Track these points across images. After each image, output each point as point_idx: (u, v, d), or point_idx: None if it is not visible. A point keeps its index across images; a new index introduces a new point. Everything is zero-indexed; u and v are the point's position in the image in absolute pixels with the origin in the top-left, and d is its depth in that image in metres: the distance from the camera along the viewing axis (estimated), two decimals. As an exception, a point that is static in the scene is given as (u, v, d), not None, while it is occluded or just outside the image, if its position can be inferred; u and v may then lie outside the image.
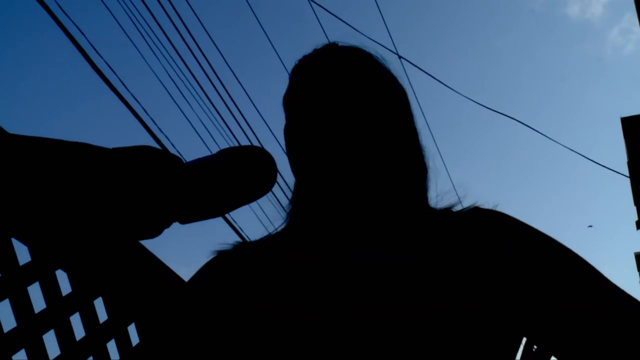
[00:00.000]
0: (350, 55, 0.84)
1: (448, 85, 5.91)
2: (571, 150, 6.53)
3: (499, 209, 0.78)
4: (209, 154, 0.65)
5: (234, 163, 0.64)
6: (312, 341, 0.67)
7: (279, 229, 0.84)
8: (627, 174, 8.39)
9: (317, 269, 0.74)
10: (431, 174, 0.83)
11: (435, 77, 5.80)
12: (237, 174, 0.64)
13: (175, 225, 0.64)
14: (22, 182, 0.55)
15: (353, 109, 0.78)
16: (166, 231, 0.65)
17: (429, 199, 0.83)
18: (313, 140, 0.78)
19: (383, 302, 0.68)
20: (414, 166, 0.82)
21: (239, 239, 0.88)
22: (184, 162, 0.64)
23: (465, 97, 6.28)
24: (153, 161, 0.59)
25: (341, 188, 0.77)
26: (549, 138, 6.09)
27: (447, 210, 0.80)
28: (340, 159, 0.76)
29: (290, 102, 0.85)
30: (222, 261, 0.81)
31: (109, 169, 0.57)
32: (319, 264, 0.74)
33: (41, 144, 0.56)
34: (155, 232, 0.61)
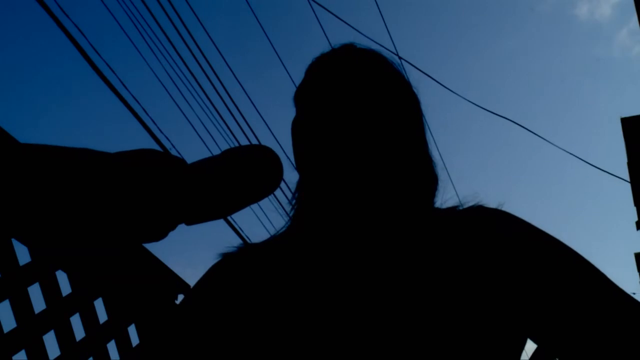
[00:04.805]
0: (369, 58, 0.84)
1: (446, 86, 5.88)
2: (570, 153, 6.52)
3: (504, 207, 0.78)
4: (209, 154, 0.65)
5: (238, 163, 0.64)
6: (317, 343, 0.67)
7: (283, 229, 0.83)
8: (627, 174, 8.39)
9: (322, 271, 0.73)
10: (440, 185, 0.83)
11: (434, 78, 5.79)
12: (242, 174, 0.64)
13: (179, 225, 0.63)
14: (23, 182, 0.55)
15: (368, 110, 0.78)
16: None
17: (434, 203, 0.82)
18: (323, 138, 0.77)
19: (388, 303, 0.68)
20: (421, 173, 0.81)
21: (239, 240, 0.88)
22: (188, 163, 0.63)
23: (463, 98, 6.27)
24: (157, 164, 0.59)
25: (347, 187, 0.77)
26: (546, 140, 6.07)
27: (452, 209, 0.80)
28: (349, 159, 0.76)
29: (303, 98, 0.84)
30: (227, 264, 0.81)
31: (112, 173, 0.57)
32: (323, 266, 0.74)
33: (44, 149, 0.56)
34: (161, 235, 0.61)
